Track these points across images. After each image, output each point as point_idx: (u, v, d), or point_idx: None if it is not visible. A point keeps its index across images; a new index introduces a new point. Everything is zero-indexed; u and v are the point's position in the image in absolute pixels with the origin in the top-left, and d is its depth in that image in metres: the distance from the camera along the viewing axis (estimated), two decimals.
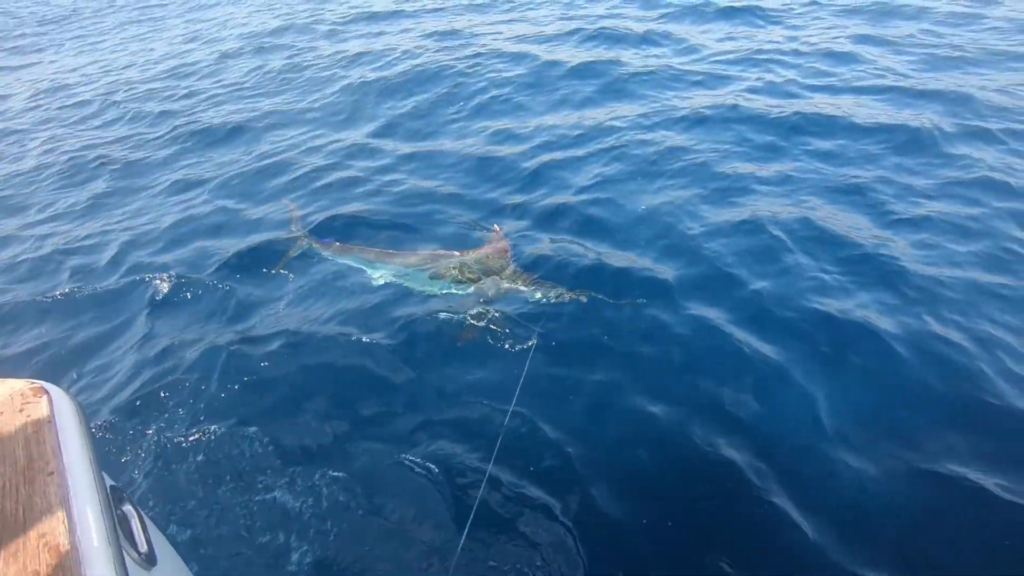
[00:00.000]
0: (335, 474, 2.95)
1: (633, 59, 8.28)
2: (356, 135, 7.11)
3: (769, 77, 7.28)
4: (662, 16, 10.19)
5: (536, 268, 4.22)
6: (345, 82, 8.74)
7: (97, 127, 8.76)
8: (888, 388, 3.22)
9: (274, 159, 6.72)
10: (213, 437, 3.19)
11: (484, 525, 2.61)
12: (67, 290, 4.75)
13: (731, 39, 8.90)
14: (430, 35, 10.46)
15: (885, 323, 3.55)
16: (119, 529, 1.33)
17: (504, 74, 8.13)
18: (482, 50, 9.16)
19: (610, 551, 2.61)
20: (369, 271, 4.46)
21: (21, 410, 1.51)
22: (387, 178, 5.92)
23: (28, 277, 5.18)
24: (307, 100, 8.44)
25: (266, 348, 3.79)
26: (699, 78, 7.49)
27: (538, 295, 3.90)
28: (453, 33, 10.36)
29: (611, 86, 7.50)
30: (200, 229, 5.50)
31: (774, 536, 2.60)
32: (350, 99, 8.21)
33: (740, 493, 2.75)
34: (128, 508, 1.50)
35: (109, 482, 1.49)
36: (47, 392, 1.58)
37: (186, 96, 9.37)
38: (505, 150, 6.17)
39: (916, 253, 4.15)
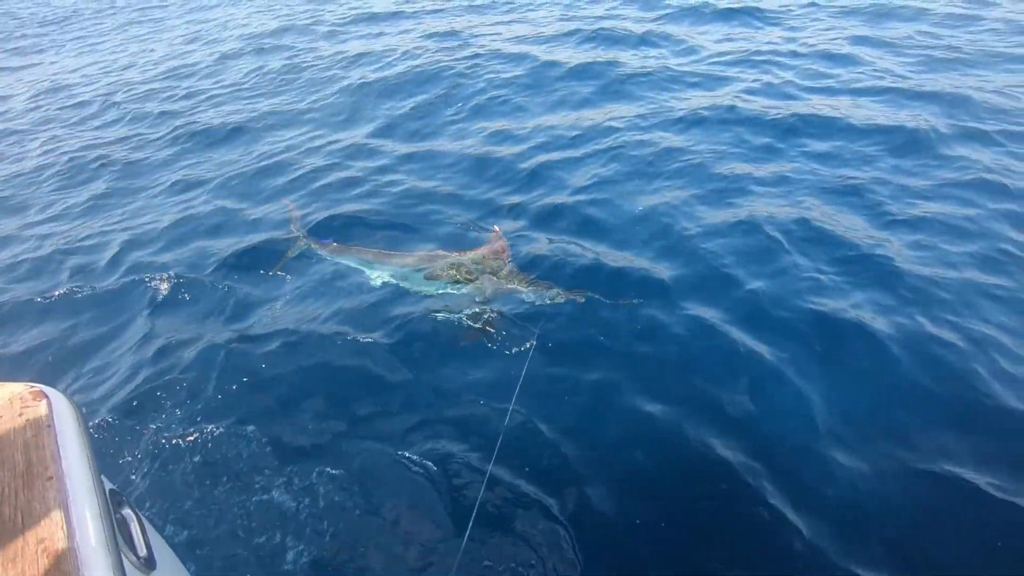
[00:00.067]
0: (333, 474, 2.96)
1: (631, 60, 8.29)
2: (355, 136, 7.13)
3: (767, 78, 7.30)
4: (661, 17, 10.21)
5: (534, 268, 4.24)
6: (345, 83, 8.75)
7: (97, 128, 8.77)
8: (884, 388, 3.24)
9: (273, 159, 6.73)
10: (211, 437, 3.20)
11: (483, 525, 2.62)
12: (66, 290, 4.76)
13: (729, 40, 8.91)
14: (430, 36, 10.48)
15: (881, 323, 3.57)
16: (118, 533, 1.33)
17: (503, 75, 8.14)
18: (481, 51, 9.17)
19: (609, 550, 2.63)
20: (368, 271, 4.47)
21: (20, 414, 1.51)
22: (386, 178, 5.94)
23: (28, 277, 5.20)
24: (307, 101, 8.45)
25: (265, 348, 3.80)
26: (697, 79, 7.50)
27: (536, 295, 3.91)
28: (452, 34, 10.37)
29: (609, 87, 7.52)
30: (199, 229, 5.51)
31: (771, 536, 2.61)
32: (349, 100, 8.23)
33: (737, 493, 2.76)
34: (127, 512, 1.50)
35: (108, 485, 1.49)
36: (46, 396, 1.57)
37: (186, 97, 9.38)
38: (503, 151, 6.19)
39: (912, 254, 4.16)
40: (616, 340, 3.62)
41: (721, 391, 3.25)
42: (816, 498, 2.73)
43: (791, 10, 9.99)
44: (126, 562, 1.29)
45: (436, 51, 9.48)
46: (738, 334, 3.56)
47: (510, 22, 10.99)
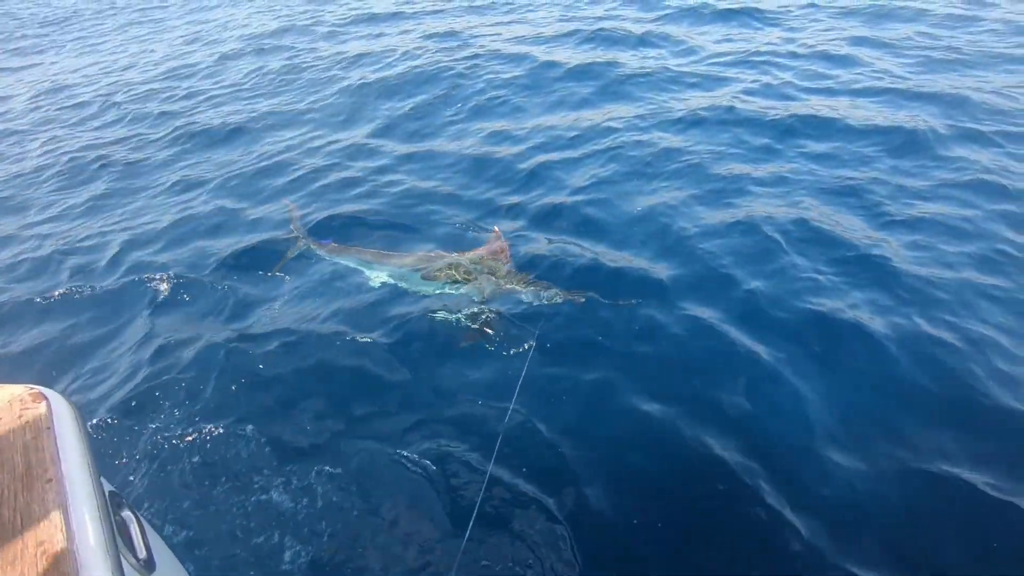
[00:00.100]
0: (332, 474, 2.96)
1: (631, 61, 8.30)
2: (355, 136, 7.13)
3: (766, 79, 7.31)
4: (660, 18, 10.22)
5: (533, 268, 4.25)
6: (344, 83, 8.76)
7: (97, 128, 8.77)
8: (881, 388, 3.24)
9: (273, 160, 6.74)
10: (210, 437, 3.21)
11: (483, 525, 2.62)
12: (66, 290, 4.77)
13: (728, 41, 8.92)
14: (429, 36, 10.48)
15: (878, 323, 3.57)
16: (118, 535, 1.33)
17: (502, 75, 8.15)
18: (481, 51, 9.18)
19: (608, 550, 2.63)
20: (367, 272, 4.48)
21: (20, 416, 1.51)
22: (385, 179, 5.94)
23: (28, 277, 5.20)
24: (306, 101, 8.46)
25: (264, 348, 3.81)
26: (696, 80, 7.51)
27: (535, 296, 3.92)
28: (452, 34, 10.38)
29: (608, 87, 7.53)
30: (199, 229, 5.52)
31: (768, 536, 2.61)
32: (349, 100, 8.23)
33: (735, 493, 2.77)
34: (127, 514, 1.50)
35: (108, 487, 1.49)
36: (46, 398, 1.58)
37: (186, 97, 9.39)
38: (503, 151, 6.19)
39: (909, 254, 4.17)
40: (615, 340, 3.63)
41: (719, 391, 3.26)
42: (814, 498, 2.74)
43: (790, 11, 9.99)
44: (126, 564, 1.29)
45: (436, 52, 9.49)
46: (736, 334, 3.57)
47: (510, 23, 10.99)
